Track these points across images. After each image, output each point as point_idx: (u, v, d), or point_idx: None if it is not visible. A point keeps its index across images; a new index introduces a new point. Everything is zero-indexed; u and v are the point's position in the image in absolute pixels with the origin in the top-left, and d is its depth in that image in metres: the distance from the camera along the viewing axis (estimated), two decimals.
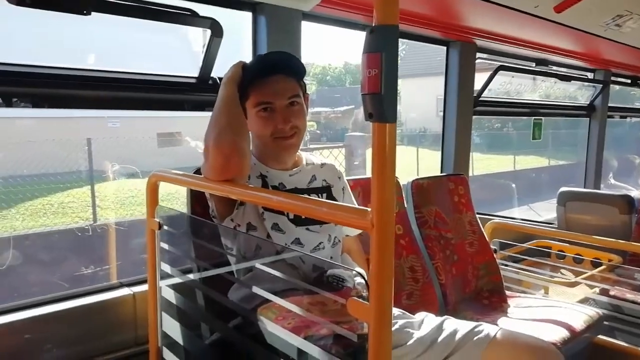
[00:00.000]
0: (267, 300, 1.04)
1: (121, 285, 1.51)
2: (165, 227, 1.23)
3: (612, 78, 3.28)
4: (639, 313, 1.90)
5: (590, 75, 3.20)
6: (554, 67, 2.88)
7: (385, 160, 0.63)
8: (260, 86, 1.20)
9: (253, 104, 1.21)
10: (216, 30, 1.40)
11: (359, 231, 1.45)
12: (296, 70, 1.25)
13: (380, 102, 0.60)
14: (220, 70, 1.54)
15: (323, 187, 1.35)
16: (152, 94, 1.51)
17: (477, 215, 2.09)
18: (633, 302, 1.94)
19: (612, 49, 2.75)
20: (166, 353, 1.26)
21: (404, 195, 1.87)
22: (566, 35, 2.38)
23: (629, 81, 3.50)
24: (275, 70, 1.21)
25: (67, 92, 1.36)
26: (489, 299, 1.97)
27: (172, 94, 1.53)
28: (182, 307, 1.26)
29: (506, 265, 2.15)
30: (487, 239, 2.08)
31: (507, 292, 2.02)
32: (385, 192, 0.64)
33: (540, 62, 2.73)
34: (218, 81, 1.57)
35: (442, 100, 2.28)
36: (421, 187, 1.95)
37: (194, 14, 1.38)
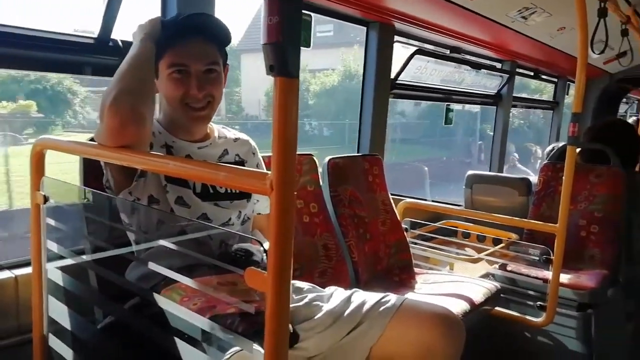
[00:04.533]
0: (171, 281, 0.97)
1: (0, 268, 1.34)
2: (52, 201, 1.10)
3: (518, 70, 3.51)
4: (531, 286, 2.06)
5: (498, 65, 3.41)
6: (467, 56, 3.02)
7: (286, 119, 0.59)
8: (177, 47, 1.11)
9: (167, 65, 1.12)
10: None
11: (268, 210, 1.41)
12: (220, 36, 1.16)
13: (283, 53, 0.56)
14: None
15: (236, 162, 1.28)
16: (42, 53, 1.33)
17: (390, 196, 2.14)
18: (527, 275, 2.10)
19: (518, 42, 2.94)
20: (52, 340, 1.14)
21: (319, 174, 1.86)
22: (478, 24, 2.49)
23: (531, 73, 3.78)
24: (197, 32, 1.12)
25: None
26: (399, 276, 2.04)
27: (68, 55, 1.36)
28: (72, 289, 1.14)
29: (416, 244, 2.23)
30: (399, 218, 2.14)
31: (416, 269, 2.09)
32: (287, 153, 0.60)
33: (454, 49, 2.84)
34: (120, 43, 1.43)
35: None
36: (337, 166, 1.95)
37: None
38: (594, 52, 1.99)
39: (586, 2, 1.69)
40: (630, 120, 4.72)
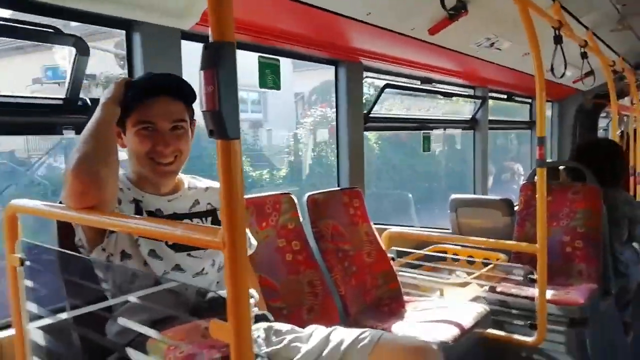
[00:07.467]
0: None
1: None
2: (28, 263, 1.12)
3: (491, 94, 3.61)
4: (522, 306, 2.06)
5: (471, 92, 3.50)
6: (438, 85, 3.11)
7: (231, 177, 0.63)
8: (144, 106, 1.16)
9: (133, 123, 1.17)
10: (81, 48, 1.33)
11: (249, 252, 1.43)
12: (184, 93, 1.22)
13: (220, 119, 0.60)
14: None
15: (208, 211, 1.31)
16: (11, 118, 1.38)
17: (374, 226, 2.16)
18: (516, 296, 2.10)
19: (487, 68, 3.03)
20: None
21: (298, 211, 1.88)
22: (444, 55, 2.58)
23: (505, 97, 3.88)
24: (163, 91, 1.18)
25: None
26: (388, 306, 2.04)
27: (38, 117, 1.41)
28: (56, 349, 1.14)
29: (405, 272, 2.24)
30: (384, 248, 2.16)
31: (406, 297, 2.10)
32: (235, 210, 0.63)
33: (425, 80, 2.93)
34: (88, 102, 1.48)
35: None
36: (316, 202, 1.98)
37: (57, 31, 1.30)
38: (554, 76, 2.07)
39: (544, 29, 1.77)
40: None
